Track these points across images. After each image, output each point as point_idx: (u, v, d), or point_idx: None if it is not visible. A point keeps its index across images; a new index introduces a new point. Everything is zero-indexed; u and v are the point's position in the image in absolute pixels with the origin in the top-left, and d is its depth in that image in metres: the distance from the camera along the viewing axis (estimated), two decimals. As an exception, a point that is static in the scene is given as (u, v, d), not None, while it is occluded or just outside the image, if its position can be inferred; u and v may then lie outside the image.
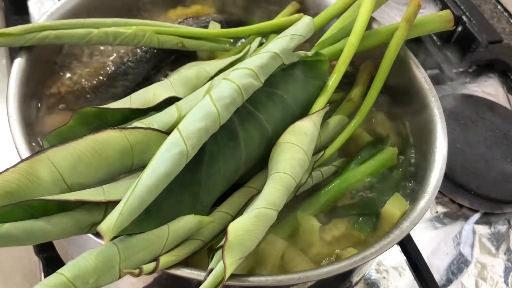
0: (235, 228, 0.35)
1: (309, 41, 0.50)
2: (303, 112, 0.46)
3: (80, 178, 0.34)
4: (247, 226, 0.35)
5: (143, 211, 0.33)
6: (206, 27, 0.59)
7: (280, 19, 0.57)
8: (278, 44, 0.43)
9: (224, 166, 0.40)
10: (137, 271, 0.32)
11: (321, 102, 0.47)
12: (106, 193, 0.34)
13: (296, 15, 0.57)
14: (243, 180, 0.43)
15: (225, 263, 0.33)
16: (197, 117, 0.36)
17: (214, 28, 0.59)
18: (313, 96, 0.48)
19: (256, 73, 0.40)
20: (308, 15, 0.51)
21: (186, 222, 0.36)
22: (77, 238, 0.35)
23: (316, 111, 0.45)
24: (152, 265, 0.34)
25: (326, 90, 0.48)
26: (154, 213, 0.35)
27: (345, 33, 0.52)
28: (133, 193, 0.32)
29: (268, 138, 0.43)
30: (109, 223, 0.31)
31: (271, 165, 0.40)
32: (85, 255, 0.32)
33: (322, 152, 0.46)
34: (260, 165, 0.43)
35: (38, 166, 0.33)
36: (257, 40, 0.55)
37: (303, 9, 0.60)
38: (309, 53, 0.48)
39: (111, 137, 0.35)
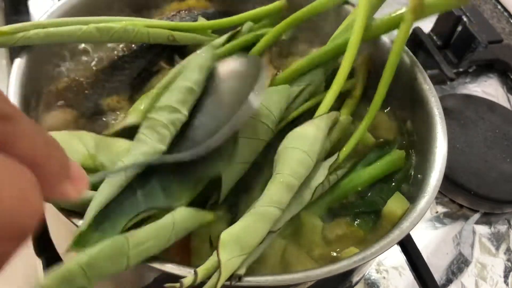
0: (229, 228, 0.36)
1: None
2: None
3: None
4: (241, 223, 0.36)
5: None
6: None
7: (262, 8, 0.57)
8: None
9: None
10: (177, 285, 0.33)
11: (324, 107, 0.47)
12: None
13: (278, 2, 0.57)
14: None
15: (220, 259, 0.34)
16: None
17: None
18: None
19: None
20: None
21: (189, 214, 0.37)
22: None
23: (319, 116, 0.45)
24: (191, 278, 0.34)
25: (327, 98, 0.47)
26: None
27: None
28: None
29: None
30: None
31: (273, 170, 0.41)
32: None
33: (336, 155, 0.46)
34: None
35: None
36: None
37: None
38: None
39: None
